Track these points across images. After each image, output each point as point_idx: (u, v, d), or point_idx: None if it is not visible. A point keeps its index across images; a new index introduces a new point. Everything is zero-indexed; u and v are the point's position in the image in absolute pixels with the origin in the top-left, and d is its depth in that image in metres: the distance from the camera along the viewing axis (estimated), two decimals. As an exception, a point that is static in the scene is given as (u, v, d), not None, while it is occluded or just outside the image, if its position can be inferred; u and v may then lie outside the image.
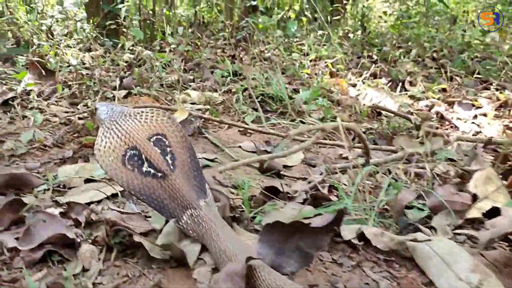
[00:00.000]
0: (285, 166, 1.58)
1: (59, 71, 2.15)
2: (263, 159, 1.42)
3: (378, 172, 1.39)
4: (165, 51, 3.63)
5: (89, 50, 3.28)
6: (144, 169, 0.96)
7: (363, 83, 2.74)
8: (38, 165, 1.39)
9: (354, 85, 2.82)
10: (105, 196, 1.19)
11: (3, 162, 1.40)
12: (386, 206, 1.14)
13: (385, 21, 5.11)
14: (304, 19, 4.94)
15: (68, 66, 2.54)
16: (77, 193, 1.23)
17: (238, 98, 2.05)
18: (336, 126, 1.34)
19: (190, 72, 2.58)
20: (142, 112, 1.04)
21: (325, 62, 3.17)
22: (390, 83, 2.84)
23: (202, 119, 1.77)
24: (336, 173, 1.41)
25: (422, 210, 1.13)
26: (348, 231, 0.99)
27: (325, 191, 1.31)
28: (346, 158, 1.69)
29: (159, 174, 0.96)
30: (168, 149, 1.00)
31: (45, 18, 3.24)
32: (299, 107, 2.10)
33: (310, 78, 2.76)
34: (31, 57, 2.51)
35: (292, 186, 1.37)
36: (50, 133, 1.61)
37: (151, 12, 3.96)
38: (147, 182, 0.96)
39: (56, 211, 1.11)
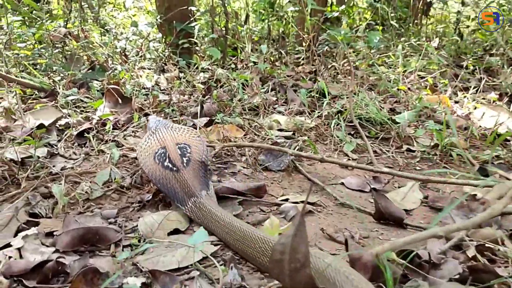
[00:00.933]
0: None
1: (136, 96, 1.99)
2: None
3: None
4: (238, 69, 3.44)
5: (163, 70, 3.17)
6: (166, 164, 1.24)
7: (470, 99, 2.35)
8: (115, 212, 1.20)
9: (457, 102, 2.45)
10: (195, 261, 0.96)
11: (77, 208, 1.22)
12: None
13: (467, 26, 4.63)
14: (379, 27, 4.58)
15: (143, 89, 2.40)
16: (160, 253, 1.01)
17: (334, 122, 1.77)
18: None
19: (271, 92, 2.34)
20: (182, 128, 1.41)
21: (419, 76, 2.81)
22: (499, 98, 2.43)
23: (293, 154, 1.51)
24: (480, 226, 1.08)
25: None
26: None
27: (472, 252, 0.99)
28: (479, 199, 1.35)
29: (174, 168, 1.23)
30: (188, 154, 1.28)
31: (118, 39, 3.17)
32: (404, 132, 1.78)
33: (406, 94, 2.42)
34: (106, 82, 2.41)
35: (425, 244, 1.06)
36: (127, 171, 1.42)
37: (223, 28, 3.79)
38: (166, 174, 1.23)
39: (138, 281, 0.89)
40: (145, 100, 2.03)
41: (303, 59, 3.37)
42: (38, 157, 1.42)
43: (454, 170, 1.60)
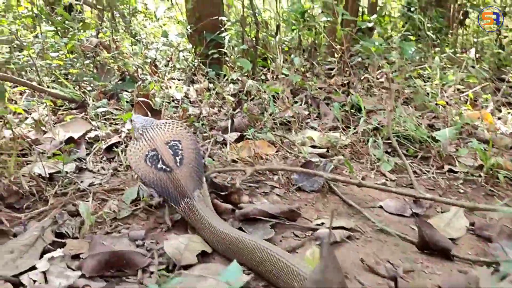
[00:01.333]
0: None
1: (165, 109, 1.95)
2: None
3: None
4: (267, 79, 3.39)
5: (193, 81, 3.14)
6: (159, 166, 1.24)
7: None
8: (143, 233, 1.15)
9: (499, 118, 2.32)
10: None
11: (104, 228, 1.18)
12: None
13: (505, 37, 4.45)
14: (412, 38, 4.45)
15: (173, 101, 2.37)
16: (191, 282, 0.95)
17: (371, 140, 1.69)
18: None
19: (303, 105, 2.27)
20: (167, 123, 1.41)
21: (458, 89, 2.70)
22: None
23: (330, 173, 1.43)
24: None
25: None
26: None
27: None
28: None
29: (168, 169, 1.23)
30: (180, 152, 1.28)
31: (149, 49, 3.17)
32: (446, 151, 1.68)
33: (445, 109, 2.31)
34: (136, 93, 2.39)
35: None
36: (155, 189, 1.37)
37: (253, 39, 3.75)
38: (160, 175, 1.23)
39: (166, 314, 0.83)
40: (174, 113, 2.00)
41: (335, 71, 3.29)
42: (67, 172, 1.39)
43: (501, 193, 1.50)
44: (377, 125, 1.82)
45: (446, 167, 1.64)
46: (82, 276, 0.98)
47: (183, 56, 3.51)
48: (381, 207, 1.37)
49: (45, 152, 1.54)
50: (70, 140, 1.65)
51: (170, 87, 2.65)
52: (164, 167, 1.23)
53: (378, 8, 6.84)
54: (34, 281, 0.97)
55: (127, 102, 2.30)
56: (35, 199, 1.27)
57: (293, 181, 1.43)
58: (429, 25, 3.61)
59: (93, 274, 0.98)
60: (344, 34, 3.52)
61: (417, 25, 4.23)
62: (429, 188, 1.50)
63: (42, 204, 1.27)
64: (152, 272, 1.00)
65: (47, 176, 1.32)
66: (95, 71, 2.80)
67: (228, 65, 3.59)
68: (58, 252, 1.04)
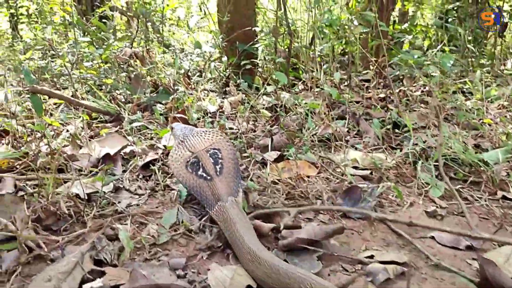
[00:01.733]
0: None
1: (202, 125, 1.91)
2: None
3: None
4: (301, 91, 3.32)
5: (225, 92, 3.10)
6: (200, 173, 1.29)
7: None
8: (184, 262, 1.09)
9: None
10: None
11: (143, 254, 1.13)
12: None
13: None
14: (446, 48, 4.31)
15: (207, 114, 2.33)
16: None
17: (418, 163, 1.60)
18: None
19: (341, 120, 2.19)
20: (206, 131, 1.46)
21: (502, 106, 2.57)
22: None
23: (376, 199, 1.36)
24: None
25: None
26: None
27: None
28: None
29: (208, 177, 1.28)
30: (220, 161, 1.33)
31: (181, 60, 3.15)
32: (499, 176, 1.57)
33: (490, 127, 2.19)
34: (170, 105, 2.36)
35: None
36: (194, 212, 1.32)
37: (286, 49, 3.70)
38: (199, 182, 1.28)
39: None
40: (210, 128, 1.95)
41: (371, 83, 3.20)
42: (104, 192, 1.36)
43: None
44: (423, 147, 1.73)
45: (500, 194, 1.54)
46: (123, 310, 0.93)
47: (215, 66, 3.49)
48: (432, 237, 1.28)
49: (82, 169, 1.51)
50: (106, 156, 1.62)
51: (204, 99, 2.62)
52: (204, 174, 1.28)
53: (409, 16, 6.70)
54: (73, 313, 0.93)
55: (161, 115, 2.27)
56: (72, 221, 1.24)
57: (339, 205, 1.36)
58: (469, 37, 3.47)
59: (134, 308, 0.94)
60: (380, 45, 3.42)
61: (454, 36, 4.09)
62: (483, 217, 1.41)
63: (80, 226, 1.23)
64: (196, 309, 0.95)
65: (86, 197, 1.29)
66: (128, 81, 2.79)
67: (261, 75, 3.54)
68: (98, 283, 1.00)
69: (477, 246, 1.25)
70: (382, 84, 3.38)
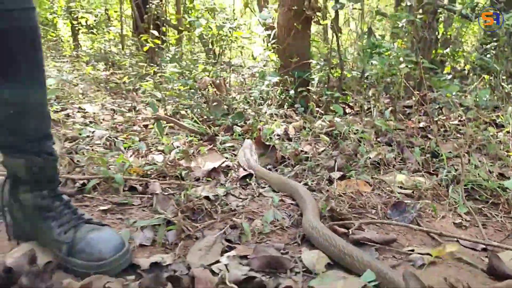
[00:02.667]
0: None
1: (279, 150, 2.46)
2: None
3: None
4: (350, 114, 3.83)
5: (285, 116, 3.65)
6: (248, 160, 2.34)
7: None
8: (283, 246, 1.63)
9: None
10: None
11: (254, 239, 1.68)
12: None
13: None
14: (486, 77, 4.71)
15: (276, 136, 2.88)
16: (328, 280, 1.41)
17: (450, 187, 2.09)
18: None
19: (387, 146, 2.69)
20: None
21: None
22: None
23: (417, 209, 1.86)
24: None
25: None
26: None
27: None
28: None
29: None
30: (254, 156, 2.43)
31: (251, 88, 3.74)
32: (515, 200, 2.04)
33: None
34: (246, 128, 2.93)
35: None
36: (285, 213, 1.86)
37: (338, 78, 4.22)
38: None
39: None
40: (286, 151, 2.50)
41: (412, 109, 3.68)
42: (220, 195, 1.92)
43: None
44: (455, 173, 2.21)
45: (514, 213, 2.00)
46: (251, 270, 1.48)
47: (272, 92, 4.05)
48: (457, 240, 1.77)
49: (199, 178, 2.09)
50: (213, 169, 2.19)
51: (271, 123, 3.18)
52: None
53: (451, 40, 7.06)
54: (221, 270, 1.48)
55: (239, 135, 2.84)
56: (203, 214, 1.80)
57: (388, 215, 1.87)
58: (503, 76, 3.88)
59: (259, 270, 1.48)
60: (417, 77, 3.89)
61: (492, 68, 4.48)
62: (498, 229, 1.88)
63: (208, 217, 1.79)
64: (298, 272, 1.48)
65: (213, 198, 1.85)
66: (207, 105, 3.39)
67: (315, 100, 4.08)
68: (232, 253, 1.55)
69: (490, 249, 1.73)
70: (422, 111, 3.84)
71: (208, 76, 3.51)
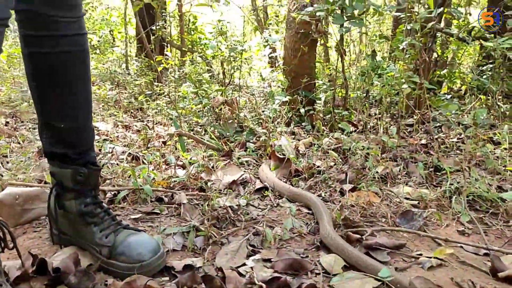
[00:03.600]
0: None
1: (294, 163, 2.62)
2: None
3: None
4: (355, 131, 4.00)
5: (293, 133, 3.83)
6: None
7: None
8: (302, 251, 1.78)
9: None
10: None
11: (275, 244, 1.83)
12: None
13: None
14: (482, 97, 4.90)
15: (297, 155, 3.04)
16: (347, 280, 1.56)
17: (454, 199, 2.25)
18: None
19: (392, 161, 2.86)
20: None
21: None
22: None
23: (424, 216, 2.01)
24: None
25: None
26: None
27: None
28: None
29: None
30: None
31: (261, 110, 3.93)
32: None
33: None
34: (258, 145, 3.10)
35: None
36: (302, 221, 2.02)
37: (343, 97, 4.40)
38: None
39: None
40: (300, 164, 2.66)
41: (413, 128, 3.86)
42: (242, 205, 2.08)
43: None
44: (457, 186, 2.37)
45: (512, 222, 2.16)
46: (275, 271, 1.62)
47: (279, 111, 4.24)
48: (461, 246, 1.92)
49: (221, 190, 2.24)
50: (232, 181, 2.35)
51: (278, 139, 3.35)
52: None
53: (448, 62, 7.29)
54: (247, 271, 1.62)
55: (253, 151, 3.01)
56: (227, 222, 1.96)
57: (397, 223, 2.03)
58: (499, 96, 4.07)
59: (282, 271, 1.62)
60: (417, 95, 4.08)
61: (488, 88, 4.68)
62: (498, 237, 2.03)
63: (232, 225, 1.95)
64: (318, 273, 1.63)
65: (235, 207, 2.01)
66: (220, 123, 3.57)
67: (322, 120, 4.26)
68: (257, 256, 1.70)
69: (491, 253, 1.88)
70: (423, 129, 4.02)
71: (221, 95, 3.70)
